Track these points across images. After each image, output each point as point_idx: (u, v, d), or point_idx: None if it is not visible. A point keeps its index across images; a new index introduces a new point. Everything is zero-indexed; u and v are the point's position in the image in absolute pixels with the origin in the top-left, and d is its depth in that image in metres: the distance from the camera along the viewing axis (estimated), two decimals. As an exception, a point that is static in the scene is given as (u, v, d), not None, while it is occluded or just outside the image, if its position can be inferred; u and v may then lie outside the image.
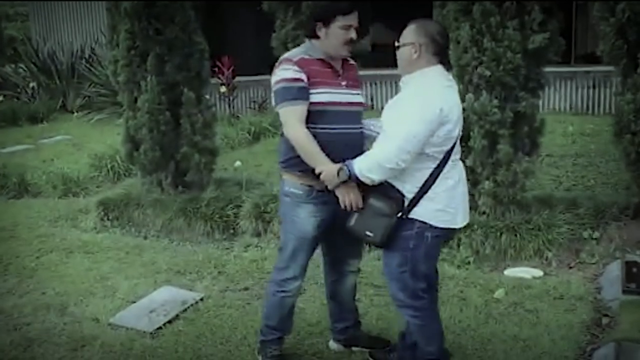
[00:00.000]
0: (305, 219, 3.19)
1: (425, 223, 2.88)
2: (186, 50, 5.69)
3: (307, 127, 3.04)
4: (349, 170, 2.87)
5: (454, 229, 3.02)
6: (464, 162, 4.67)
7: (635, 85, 4.38)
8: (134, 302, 4.39)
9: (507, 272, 4.54)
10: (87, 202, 6.71)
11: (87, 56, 13.78)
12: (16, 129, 11.85)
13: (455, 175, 2.96)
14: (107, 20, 5.92)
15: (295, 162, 3.11)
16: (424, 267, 2.98)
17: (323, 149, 3.02)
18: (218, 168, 6.40)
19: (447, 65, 2.99)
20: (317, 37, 3.11)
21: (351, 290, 3.58)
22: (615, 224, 4.78)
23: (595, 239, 4.72)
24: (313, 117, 3.05)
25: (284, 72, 3.04)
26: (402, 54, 2.94)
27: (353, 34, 3.11)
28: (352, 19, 3.09)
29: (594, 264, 4.55)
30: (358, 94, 3.25)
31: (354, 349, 3.62)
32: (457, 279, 4.43)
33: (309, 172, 3.07)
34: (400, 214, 2.87)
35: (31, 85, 13.77)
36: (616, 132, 4.64)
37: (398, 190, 2.88)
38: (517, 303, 4.07)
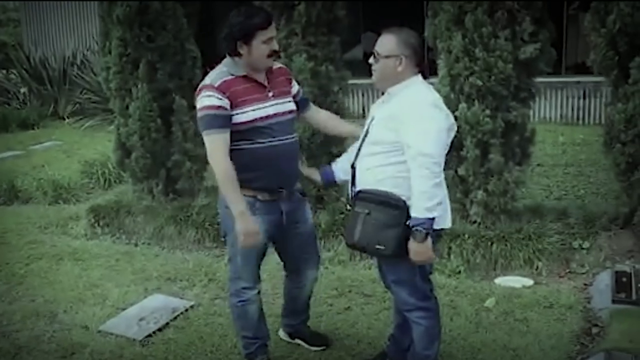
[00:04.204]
0: None
1: None
2: (178, 58, 5.68)
3: (240, 144, 3.05)
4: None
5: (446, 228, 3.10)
6: (456, 171, 4.75)
7: (626, 95, 4.40)
8: (124, 309, 4.37)
9: (497, 281, 4.56)
10: (78, 208, 6.69)
11: (78, 63, 13.71)
12: (7, 135, 11.80)
13: (443, 178, 2.99)
14: (100, 27, 5.91)
15: (239, 177, 3.05)
16: (429, 268, 3.10)
17: (258, 163, 3.06)
18: (209, 176, 6.38)
19: (426, 74, 3.00)
20: (240, 55, 3.04)
21: (309, 295, 3.67)
22: (605, 233, 4.80)
23: (585, 248, 4.73)
24: (244, 135, 3.03)
25: (207, 99, 2.99)
26: (385, 66, 2.92)
27: (275, 46, 3.08)
28: (272, 31, 3.05)
29: (583, 273, 4.57)
30: (288, 101, 3.23)
31: (297, 341, 3.77)
32: (448, 288, 4.43)
33: (251, 183, 3.08)
34: (408, 222, 2.82)
35: (22, 91, 13.71)
36: (606, 142, 4.66)
37: (401, 200, 2.86)
38: (508, 312, 4.08)
